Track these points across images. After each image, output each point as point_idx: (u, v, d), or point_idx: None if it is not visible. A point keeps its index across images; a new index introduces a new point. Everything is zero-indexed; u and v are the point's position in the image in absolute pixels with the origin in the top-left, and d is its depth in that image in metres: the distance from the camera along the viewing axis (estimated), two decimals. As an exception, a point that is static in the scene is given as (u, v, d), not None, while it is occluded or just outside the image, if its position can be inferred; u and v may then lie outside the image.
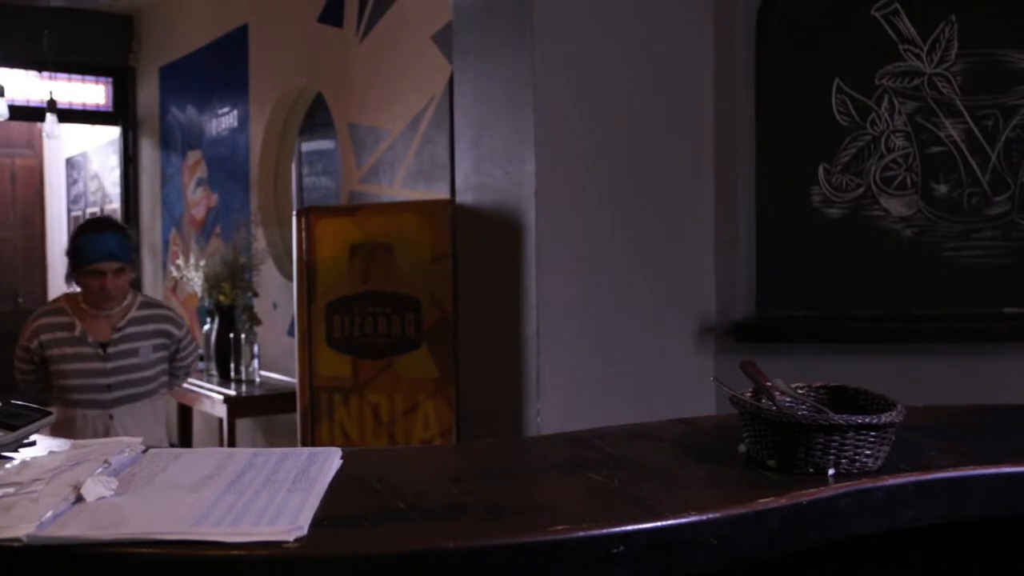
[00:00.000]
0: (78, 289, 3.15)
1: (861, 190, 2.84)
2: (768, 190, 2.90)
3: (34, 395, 3.05)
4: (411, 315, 3.10)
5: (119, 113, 7.87)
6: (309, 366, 3.17)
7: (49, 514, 0.96)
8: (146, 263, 7.82)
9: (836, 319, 2.86)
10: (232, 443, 4.87)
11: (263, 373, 5.20)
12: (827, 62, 2.85)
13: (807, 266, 2.89)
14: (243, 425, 5.54)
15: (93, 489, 1.03)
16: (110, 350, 3.04)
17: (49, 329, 3.04)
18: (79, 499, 1.01)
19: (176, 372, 3.29)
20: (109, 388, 3.04)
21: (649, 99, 2.78)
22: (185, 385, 5.27)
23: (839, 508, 1.10)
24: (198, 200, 6.74)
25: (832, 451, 1.14)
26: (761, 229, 2.91)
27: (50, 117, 6.38)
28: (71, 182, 9.44)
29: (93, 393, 3.03)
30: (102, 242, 2.95)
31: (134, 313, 3.11)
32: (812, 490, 1.09)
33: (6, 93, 6.28)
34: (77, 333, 3.03)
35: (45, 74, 6.94)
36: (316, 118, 5.53)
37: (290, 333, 5.08)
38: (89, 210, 8.87)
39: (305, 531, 0.94)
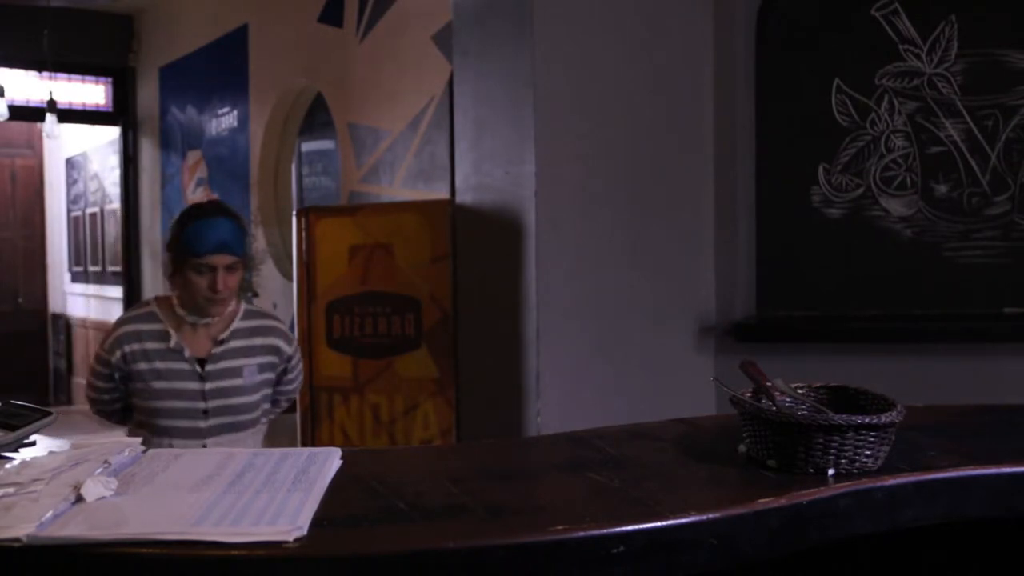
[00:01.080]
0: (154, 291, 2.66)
1: (861, 190, 2.84)
2: (768, 190, 2.90)
3: (113, 422, 2.59)
4: (411, 315, 3.10)
5: (119, 113, 7.87)
6: (309, 366, 3.16)
7: (49, 514, 0.95)
8: (146, 263, 7.82)
9: (836, 319, 2.86)
10: (232, 443, 4.86)
11: (263, 373, 5.19)
12: (827, 62, 2.85)
13: (807, 266, 2.89)
14: (243, 425, 5.53)
15: (93, 489, 1.03)
16: (209, 367, 2.41)
17: (137, 338, 2.41)
18: (79, 499, 1.01)
19: (278, 398, 2.61)
20: (205, 414, 2.40)
21: (649, 99, 2.78)
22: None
23: (839, 508, 1.10)
24: (198, 200, 6.73)
25: (832, 451, 1.14)
26: (761, 229, 2.91)
27: (50, 117, 6.39)
28: (71, 182, 9.44)
29: (186, 419, 2.42)
30: (215, 230, 2.37)
31: (239, 324, 2.47)
32: (812, 490, 1.09)
33: (6, 93, 6.29)
34: (172, 345, 2.40)
35: (45, 74, 6.95)
36: (316, 118, 5.53)
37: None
38: (89, 210, 8.87)
39: (305, 531, 0.94)
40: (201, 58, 6.61)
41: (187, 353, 2.42)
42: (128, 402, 2.47)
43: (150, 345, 2.42)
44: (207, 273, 2.35)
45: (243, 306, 2.52)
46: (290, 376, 2.60)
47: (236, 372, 2.45)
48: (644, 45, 2.77)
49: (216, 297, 2.37)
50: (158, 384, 2.40)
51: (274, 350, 2.51)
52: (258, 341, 2.49)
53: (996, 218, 2.75)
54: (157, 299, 2.53)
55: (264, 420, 2.58)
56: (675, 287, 2.84)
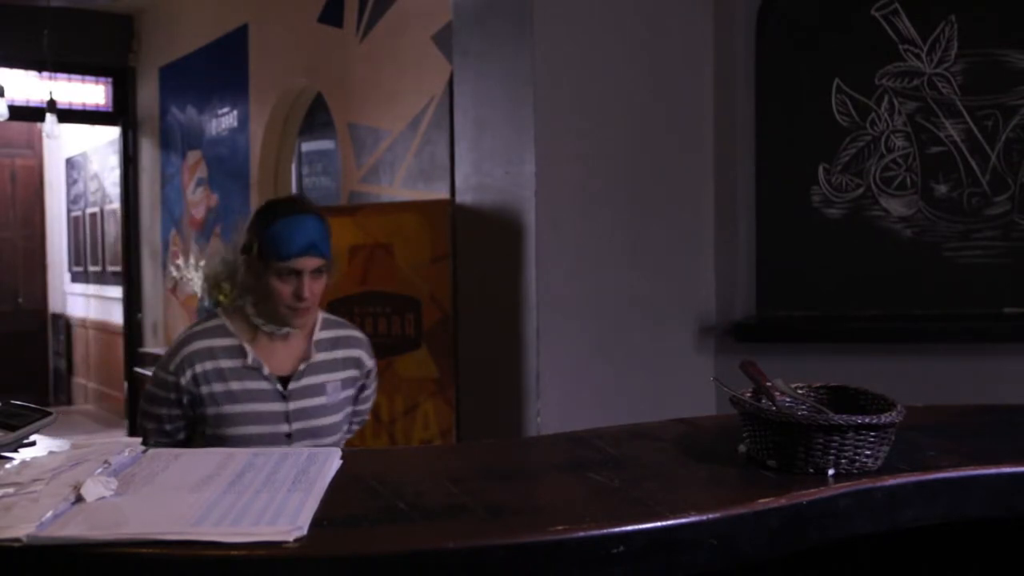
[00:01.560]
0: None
1: (861, 190, 2.84)
2: (768, 190, 2.90)
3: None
4: (411, 315, 3.10)
5: (119, 113, 7.87)
6: (309, 366, 3.16)
7: (49, 514, 0.95)
8: (146, 263, 7.83)
9: (836, 319, 2.86)
10: (232, 443, 4.86)
11: (263, 373, 5.19)
12: (827, 62, 2.85)
13: (807, 266, 2.89)
14: (243, 425, 5.53)
15: (93, 489, 1.03)
16: (291, 386, 2.10)
17: (210, 355, 2.08)
18: (79, 499, 1.01)
19: (353, 418, 2.28)
20: (289, 437, 2.10)
21: (649, 99, 2.78)
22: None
23: (839, 508, 1.10)
24: (198, 200, 6.74)
25: (832, 451, 1.14)
26: (761, 229, 2.91)
27: (50, 117, 6.38)
28: (71, 182, 9.44)
29: (266, 445, 2.07)
30: (302, 230, 2.06)
31: (320, 335, 2.19)
32: (812, 490, 1.09)
33: (6, 93, 6.29)
34: (250, 362, 2.08)
35: (45, 74, 6.95)
36: (316, 118, 5.53)
37: (290, 333, 5.07)
38: (89, 210, 8.88)
39: (305, 531, 0.94)
40: (201, 58, 6.61)
41: (266, 370, 2.09)
42: (192, 431, 2.14)
43: (225, 363, 2.08)
44: (292, 279, 2.05)
45: (321, 314, 2.23)
46: (366, 393, 2.29)
47: (319, 390, 2.14)
48: (644, 45, 2.77)
49: (302, 306, 2.07)
50: (233, 408, 2.06)
51: (356, 363, 2.22)
52: (340, 353, 2.20)
53: (996, 218, 2.75)
54: (224, 309, 2.21)
55: (343, 444, 2.27)
56: (675, 287, 2.84)
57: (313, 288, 2.08)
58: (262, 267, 2.07)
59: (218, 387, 2.07)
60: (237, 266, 2.19)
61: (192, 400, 2.07)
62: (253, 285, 2.12)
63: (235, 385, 2.08)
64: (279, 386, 2.10)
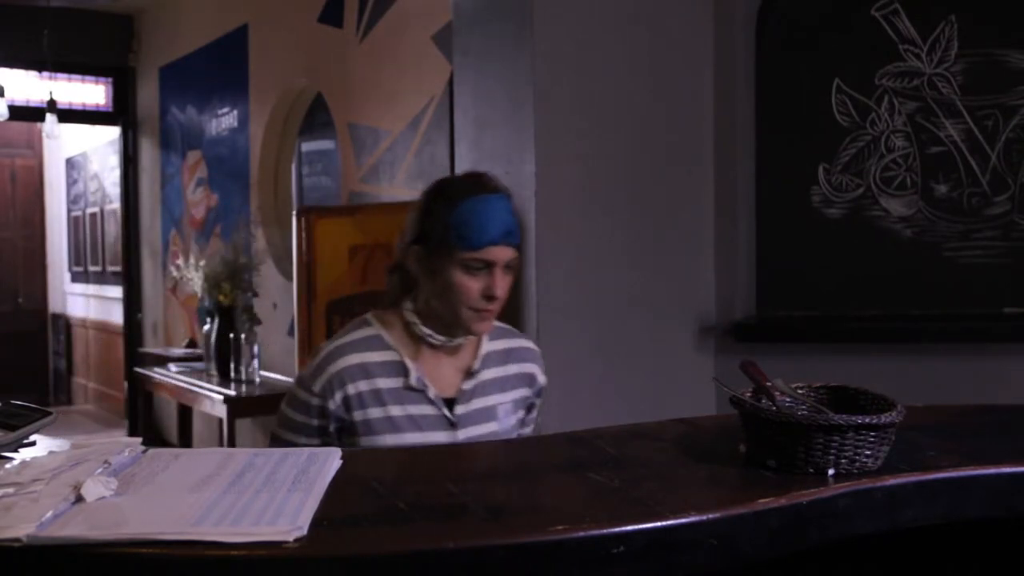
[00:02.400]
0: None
1: (861, 190, 2.84)
2: (768, 190, 2.90)
3: None
4: (411, 315, 3.10)
5: (119, 113, 7.87)
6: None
7: (49, 514, 0.95)
8: (146, 263, 7.83)
9: (836, 319, 2.86)
10: (232, 443, 4.87)
11: (263, 373, 5.20)
12: (827, 62, 2.85)
13: (807, 266, 2.89)
14: (243, 425, 5.53)
15: (93, 489, 1.03)
16: (459, 411, 1.73)
17: (364, 373, 1.69)
18: (79, 499, 1.01)
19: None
20: None
21: (649, 99, 2.78)
22: (184, 385, 5.29)
23: (839, 508, 1.10)
24: (198, 200, 6.74)
25: (832, 451, 1.14)
26: (761, 229, 2.91)
27: (50, 117, 6.38)
28: (71, 182, 9.44)
29: None
30: (497, 213, 1.67)
31: (489, 346, 1.81)
32: (812, 490, 1.09)
33: (6, 93, 6.28)
34: (414, 382, 1.70)
35: (45, 74, 6.95)
36: (316, 118, 5.53)
37: (290, 333, 5.08)
38: (89, 210, 8.88)
39: (305, 531, 0.94)
40: (201, 58, 6.61)
41: (432, 392, 1.71)
42: None
43: (383, 383, 1.68)
44: (482, 273, 1.66)
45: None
46: (532, 415, 1.90)
47: (490, 414, 1.77)
48: (644, 45, 2.77)
49: (490, 307, 1.69)
50: (394, 439, 1.67)
51: (529, 380, 1.85)
52: (513, 369, 1.83)
53: (996, 218, 2.75)
54: (376, 316, 1.79)
55: None
56: (675, 287, 2.84)
57: (505, 285, 1.70)
58: (441, 259, 1.67)
59: (375, 413, 1.67)
60: (400, 262, 1.79)
61: (341, 428, 1.68)
62: (428, 280, 1.71)
63: (395, 410, 1.68)
64: (446, 411, 1.71)
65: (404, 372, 1.69)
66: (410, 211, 1.76)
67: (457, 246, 1.64)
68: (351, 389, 1.66)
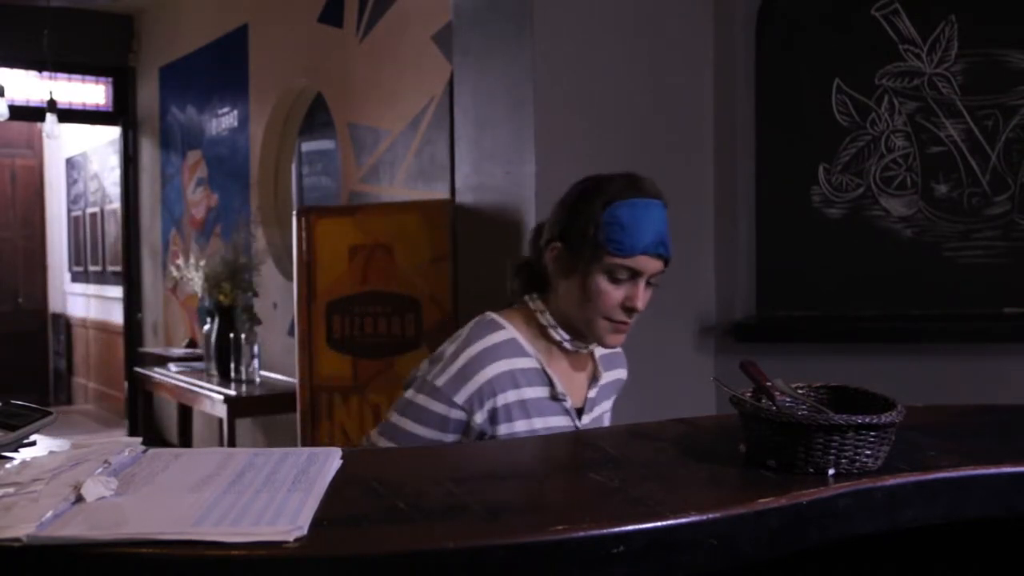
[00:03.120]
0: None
1: (861, 190, 2.84)
2: (768, 190, 2.90)
3: None
4: (411, 315, 3.10)
5: (119, 113, 7.87)
6: (309, 366, 3.16)
7: (49, 514, 0.95)
8: (146, 263, 7.82)
9: (836, 319, 2.86)
10: (232, 443, 4.87)
11: (263, 373, 5.20)
12: (827, 62, 2.85)
13: (807, 266, 2.89)
14: (243, 425, 5.54)
15: (93, 489, 1.03)
16: (585, 420, 1.64)
17: (512, 382, 1.53)
18: (79, 499, 1.01)
19: None
20: None
21: (649, 99, 2.78)
22: (184, 384, 5.29)
23: (839, 508, 1.10)
24: (198, 200, 6.74)
25: (832, 451, 1.14)
26: (761, 229, 2.91)
27: (50, 117, 6.38)
28: (71, 182, 9.44)
29: None
30: (653, 220, 1.54)
31: (598, 350, 1.73)
32: (812, 490, 1.09)
33: (6, 93, 6.28)
34: (559, 392, 1.59)
35: (45, 74, 6.95)
36: (316, 118, 5.53)
37: (290, 333, 5.08)
38: (89, 210, 8.88)
39: (305, 531, 0.94)
40: (201, 58, 6.61)
41: (569, 402, 1.59)
42: None
43: (529, 393, 1.53)
44: (626, 283, 1.53)
45: None
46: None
47: (601, 421, 1.71)
48: (644, 45, 2.77)
49: (628, 320, 1.56)
50: None
51: (620, 384, 1.81)
52: (613, 375, 1.76)
53: (996, 218, 2.75)
54: (510, 315, 1.62)
55: None
56: (675, 287, 2.83)
57: (645, 299, 1.57)
58: (585, 262, 1.53)
59: (520, 426, 1.52)
60: (533, 259, 1.65)
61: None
62: (568, 280, 1.57)
63: (539, 423, 1.54)
64: (577, 421, 1.60)
65: (547, 381, 1.57)
66: (554, 205, 1.64)
67: (606, 250, 1.51)
68: (500, 400, 1.50)
